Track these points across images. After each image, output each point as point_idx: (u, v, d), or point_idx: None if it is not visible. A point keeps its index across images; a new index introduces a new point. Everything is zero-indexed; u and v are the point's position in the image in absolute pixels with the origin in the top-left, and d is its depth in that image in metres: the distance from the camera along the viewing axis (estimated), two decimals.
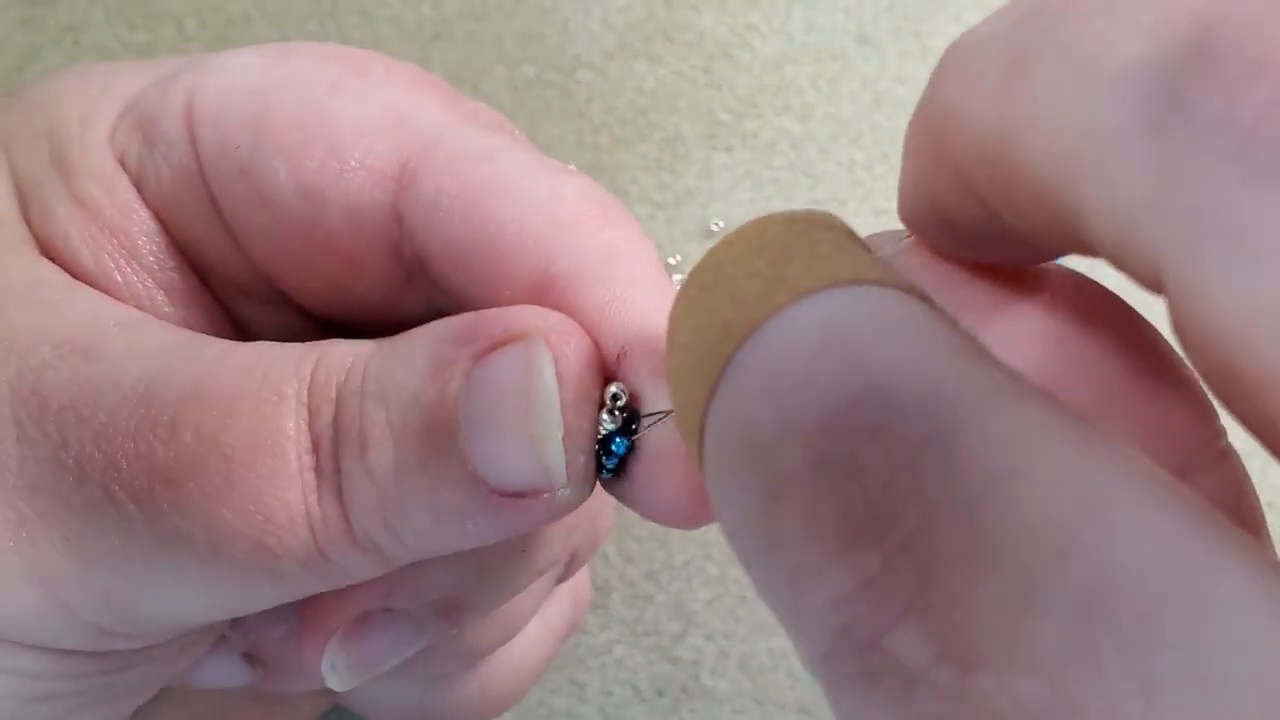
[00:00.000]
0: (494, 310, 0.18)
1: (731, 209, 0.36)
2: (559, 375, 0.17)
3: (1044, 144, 0.11)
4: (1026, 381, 0.11)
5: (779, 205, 0.36)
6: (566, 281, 0.18)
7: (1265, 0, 0.10)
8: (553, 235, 0.18)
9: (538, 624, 0.26)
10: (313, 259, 0.20)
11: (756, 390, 0.11)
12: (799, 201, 0.36)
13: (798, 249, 0.13)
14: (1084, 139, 0.11)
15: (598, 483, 0.18)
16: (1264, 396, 0.10)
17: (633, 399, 0.17)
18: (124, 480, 0.18)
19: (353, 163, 0.19)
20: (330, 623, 0.21)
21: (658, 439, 0.17)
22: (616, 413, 0.17)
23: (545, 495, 0.17)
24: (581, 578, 0.29)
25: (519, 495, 0.17)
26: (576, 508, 0.18)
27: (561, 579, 0.25)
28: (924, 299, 0.12)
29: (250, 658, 0.23)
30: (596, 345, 0.18)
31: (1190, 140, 0.10)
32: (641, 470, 0.17)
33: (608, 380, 0.18)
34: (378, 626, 0.21)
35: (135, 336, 0.19)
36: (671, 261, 0.36)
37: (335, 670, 0.21)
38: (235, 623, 0.23)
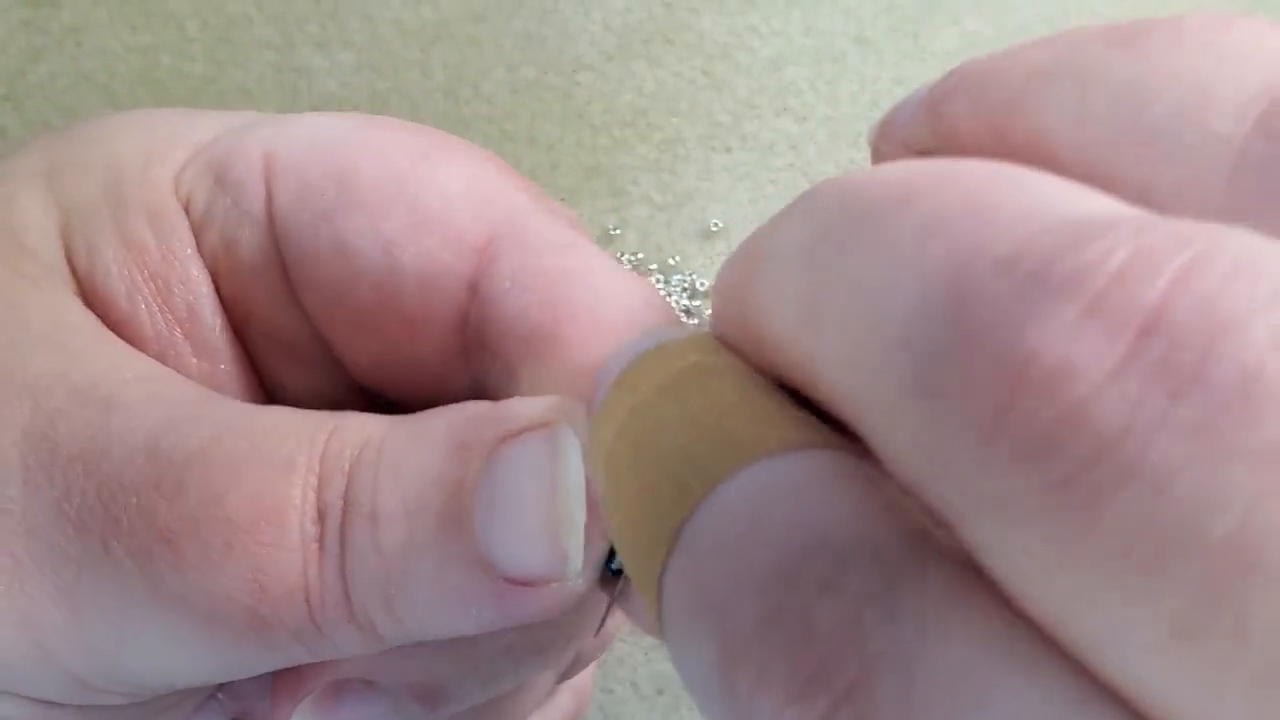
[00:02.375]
0: (521, 398, 0.18)
1: (731, 210, 0.36)
2: (585, 461, 0.17)
3: (835, 386, 0.12)
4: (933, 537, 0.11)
5: (779, 205, 0.36)
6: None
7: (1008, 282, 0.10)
8: (624, 327, 0.18)
9: (536, 717, 0.26)
10: (377, 316, 0.20)
11: (711, 554, 0.12)
12: None
13: (717, 409, 0.13)
14: (865, 394, 0.11)
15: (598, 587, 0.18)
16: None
17: None
18: (123, 536, 0.18)
19: (436, 227, 0.19)
20: (305, 685, 0.21)
21: None
22: None
23: (555, 585, 0.17)
24: (584, 674, 0.29)
25: (527, 583, 0.17)
26: (579, 599, 0.18)
27: (564, 677, 0.25)
28: (845, 452, 0.12)
29: None
30: None
31: (943, 421, 0.10)
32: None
33: None
34: (352, 697, 0.21)
35: (152, 391, 0.19)
36: (671, 262, 0.36)
37: None
38: (228, 688, 0.23)
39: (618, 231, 0.36)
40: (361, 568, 0.18)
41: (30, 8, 0.37)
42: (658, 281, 0.36)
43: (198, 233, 0.21)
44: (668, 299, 0.36)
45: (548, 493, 0.17)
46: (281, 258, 0.20)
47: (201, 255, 0.21)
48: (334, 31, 0.37)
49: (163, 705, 0.21)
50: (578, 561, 0.17)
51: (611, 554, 0.17)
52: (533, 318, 0.19)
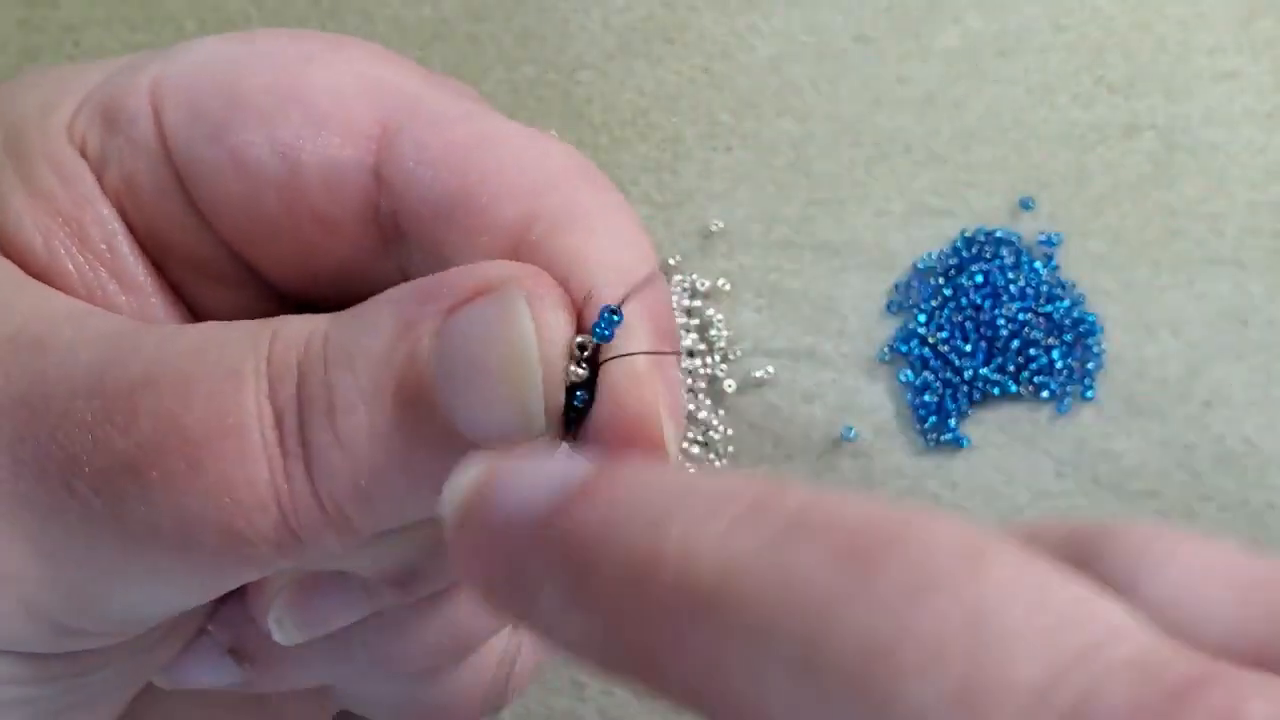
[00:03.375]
0: (458, 268, 0.18)
1: (731, 209, 0.36)
2: (535, 318, 0.17)
3: None
4: None
5: (779, 205, 0.36)
6: (546, 230, 0.18)
7: None
8: (537, 187, 0.18)
9: None
10: (287, 222, 0.20)
11: None
12: (798, 202, 0.36)
13: None
14: None
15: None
16: None
17: (598, 348, 0.17)
18: (84, 473, 0.17)
19: (330, 124, 0.19)
20: (277, 581, 0.21)
21: (619, 384, 0.17)
22: (584, 364, 0.17)
23: (521, 444, 0.17)
24: None
25: (496, 446, 0.17)
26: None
27: None
28: None
29: (236, 653, 0.23)
30: (567, 293, 0.18)
31: None
32: (603, 412, 0.17)
33: (576, 330, 0.17)
34: (325, 589, 0.21)
35: (82, 327, 0.19)
36: (671, 261, 0.36)
37: (280, 626, 0.21)
38: (219, 619, 0.23)
39: None
40: (327, 465, 0.17)
41: (27, 7, 0.37)
42: None
43: (98, 174, 0.20)
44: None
45: (503, 353, 0.16)
46: (183, 184, 0.20)
47: (107, 195, 0.20)
48: (333, 30, 0.37)
49: (151, 642, 0.21)
50: (541, 417, 0.17)
51: (567, 401, 0.17)
52: (441, 191, 0.19)
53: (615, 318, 0.17)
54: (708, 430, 0.35)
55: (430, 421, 0.17)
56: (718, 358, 0.35)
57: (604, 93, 0.37)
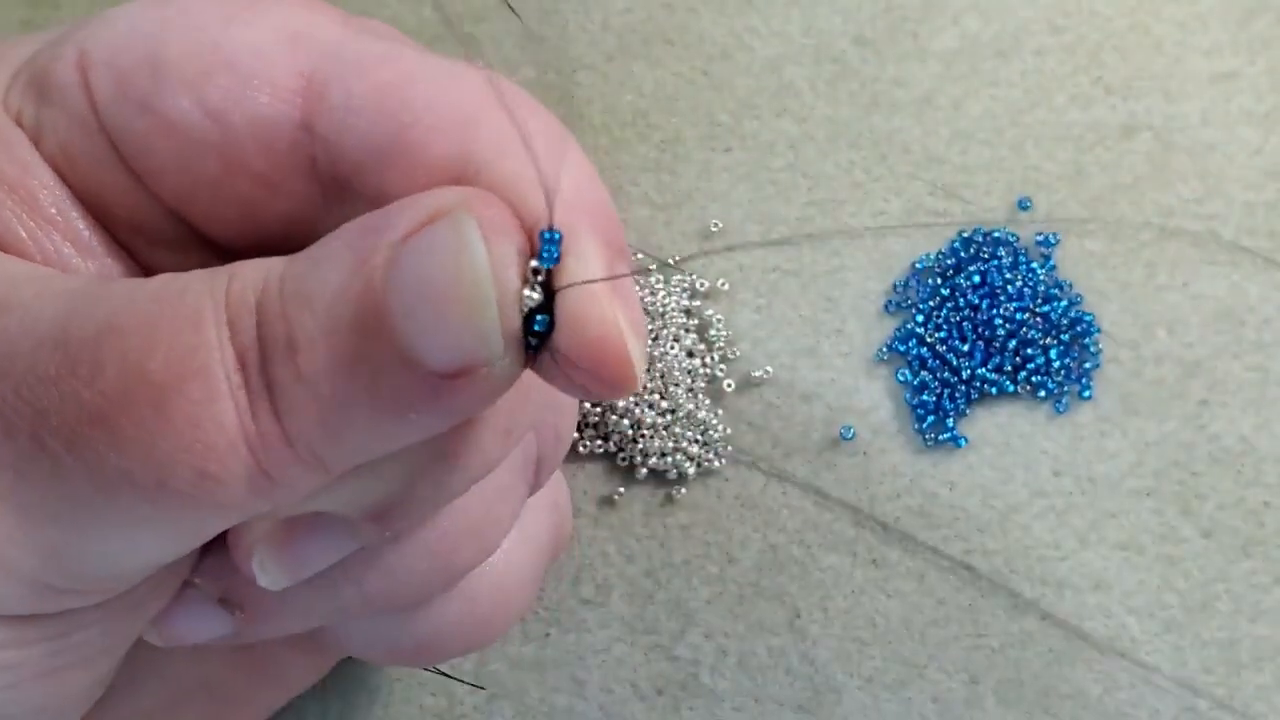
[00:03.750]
0: (406, 198, 0.18)
1: (730, 209, 0.36)
2: (486, 240, 0.17)
3: None
4: None
5: (778, 206, 0.36)
6: (485, 160, 0.18)
7: None
8: (469, 118, 0.18)
9: (518, 538, 0.26)
10: (226, 184, 0.20)
11: None
12: (797, 203, 0.36)
13: None
14: None
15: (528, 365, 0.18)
16: None
17: (551, 273, 0.17)
18: (53, 427, 0.17)
19: (255, 82, 0.19)
20: (258, 526, 0.21)
21: (578, 305, 0.17)
22: (539, 288, 0.17)
23: (484, 370, 0.17)
24: (561, 493, 0.29)
25: (458, 375, 0.17)
26: (513, 381, 0.18)
27: (534, 488, 0.25)
28: None
29: (226, 602, 0.23)
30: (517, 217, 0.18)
31: None
32: (564, 336, 0.17)
33: (530, 254, 0.17)
34: (306, 530, 0.21)
35: (42, 286, 0.19)
36: (671, 262, 0.36)
37: (265, 571, 0.21)
38: (205, 570, 0.23)
39: None
40: (292, 402, 0.17)
41: (29, 8, 0.38)
42: (657, 281, 0.36)
43: (37, 145, 0.20)
44: (668, 299, 0.36)
45: (456, 277, 0.16)
46: (119, 152, 0.20)
47: (49, 164, 0.21)
48: None
49: (136, 600, 0.21)
50: (497, 339, 0.17)
51: (527, 326, 0.17)
52: (374, 136, 0.19)
53: (555, 236, 0.17)
54: (706, 429, 0.35)
55: (390, 352, 0.17)
56: (716, 357, 0.36)
57: (604, 94, 0.37)
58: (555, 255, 0.17)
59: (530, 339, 0.17)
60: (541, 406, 0.23)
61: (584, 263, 0.17)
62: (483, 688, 0.35)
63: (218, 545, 0.22)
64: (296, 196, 0.20)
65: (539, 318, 0.17)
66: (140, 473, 0.17)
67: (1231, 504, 0.34)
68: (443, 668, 0.35)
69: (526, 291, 0.17)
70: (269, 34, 0.20)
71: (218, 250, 0.22)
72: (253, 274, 0.18)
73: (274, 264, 0.18)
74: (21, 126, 0.20)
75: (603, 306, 0.17)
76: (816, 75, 0.37)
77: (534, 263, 0.17)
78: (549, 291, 0.17)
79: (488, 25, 0.38)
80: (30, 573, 0.18)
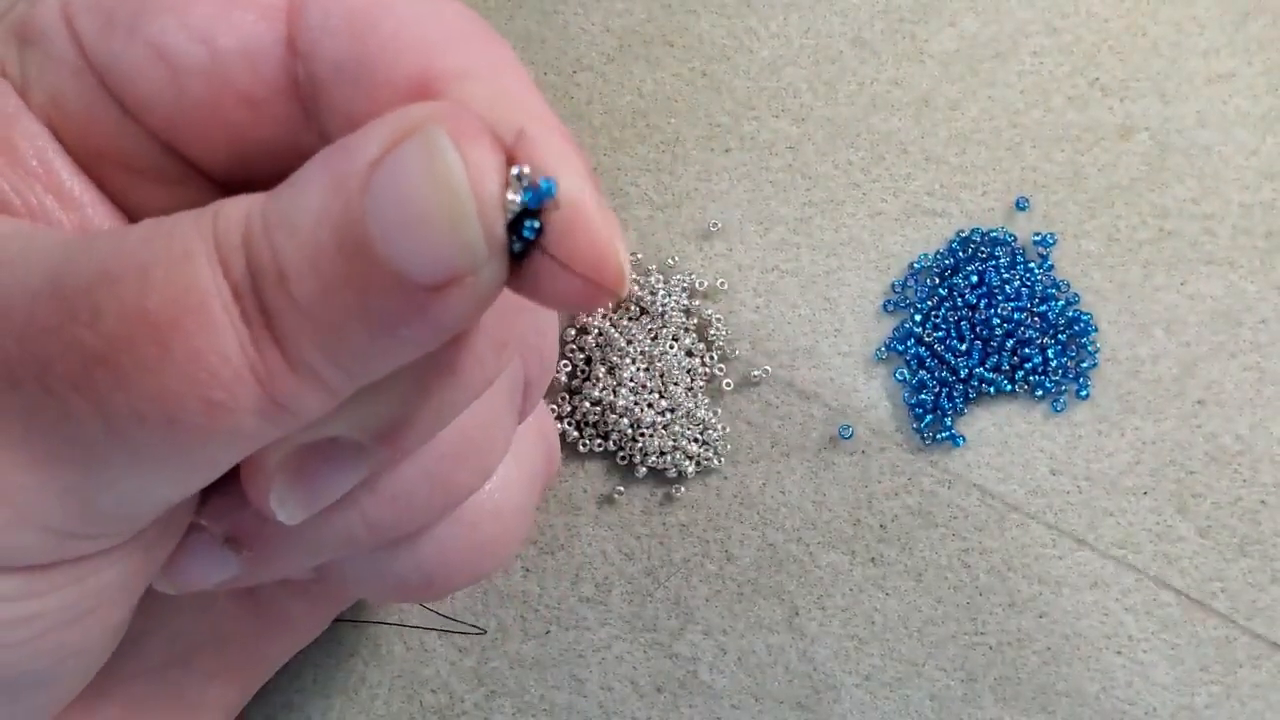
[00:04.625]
0: (379, 118, 0.18)
1: (730, 210, 0.36)
2: (460, 148, 0.17)
3: None
4: None
5: (776, 206, 0.36)
6: (452, 80, 0.18)
7: None
8: (434, 40, 0.19)
9: (511, 463, 0.26)
10: (213, 107, 0.20)
11: None
12: (796, 203, 0.36)
13: None
14: None
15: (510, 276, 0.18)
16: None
17: (534, 176, 0.17)
18: (59, 373, 0.18)
19: (240, 2, 0.20)
20: (268, 459, 0.21)
21: (571, 210, 0.17)
22: (523, 191, 0.17)
23: (470, 279, 0.17)
24: (547, 422, 0.29)
25: (445, 285, 0.17)
26: (501, 287, 0.18)
27: (523, 414, 0.26)
28: None
29: (232, 542, 0.23)
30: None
31: None
32: (561, 226, 0.17)
33: (509, 163, 0.17)
34: (319, 456, 0.21)
35: (29, 241, 0.19)
36: (671, 262, 0.36)
37: (283, 505, 0.21)
38: (210, 511, 0.23)
39: None
40: (290, 327, 0.18)
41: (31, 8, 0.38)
42: (657, 281, 0.36)
43: (24, 95, 0.21)
44: (667, 299, 0.36)
45: (433, 190, 0.17)
46: (107, 88, 0.20)
47: (34, 113, 0.21)
48: None
49: (148, 541, 0.21)
50: (480, 245, 0.17)
51: (510, 233, 0.17)
52: (346, 54, 0.19)
53: (549, 189, 0.17)
54: (706, 429, 0.35)
55: (375, 270, 0.17)
56: (715, 357, 0.36)
57: (603, 94, 0.37)
58: (550, 189, 0.17)
59: (514, 244, 0.17)
60: (528, 326, 0.23)
61: (569, 167, 0.17)
62: (483, 630, 0.35)
63: (221, 486, 0.22)
64: (282, 118, 0.20)
65: (527, 223, 0.17)
66: (149, 409, 0.17)
67: (1228, 503, 0.34)
68: (441, 610, 0.35)
69: (510, 195, 0.17)
70: None
71: (207, 183, 0.22)
72: (237, 209, 0.18)
73: (255, 198, 0.18)
74: (6, 76, 0.21)
75: (594, 211, 0.17)
76: (815, 76, 0.37)
77: (515, 168, 0.17)
78: (535, 198, 0.17)
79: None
80: (47, 519, 0.19)
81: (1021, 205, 0.36)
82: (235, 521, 0.23)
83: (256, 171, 0.21)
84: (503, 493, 0.26)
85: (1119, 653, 0.34)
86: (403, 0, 0.19)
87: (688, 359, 0.36)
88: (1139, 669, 0.34)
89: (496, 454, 0.25)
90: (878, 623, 0.35)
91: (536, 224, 0.17)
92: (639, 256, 0.36)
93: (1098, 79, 0.36)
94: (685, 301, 0.36)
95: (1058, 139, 0.36)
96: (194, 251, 0.18)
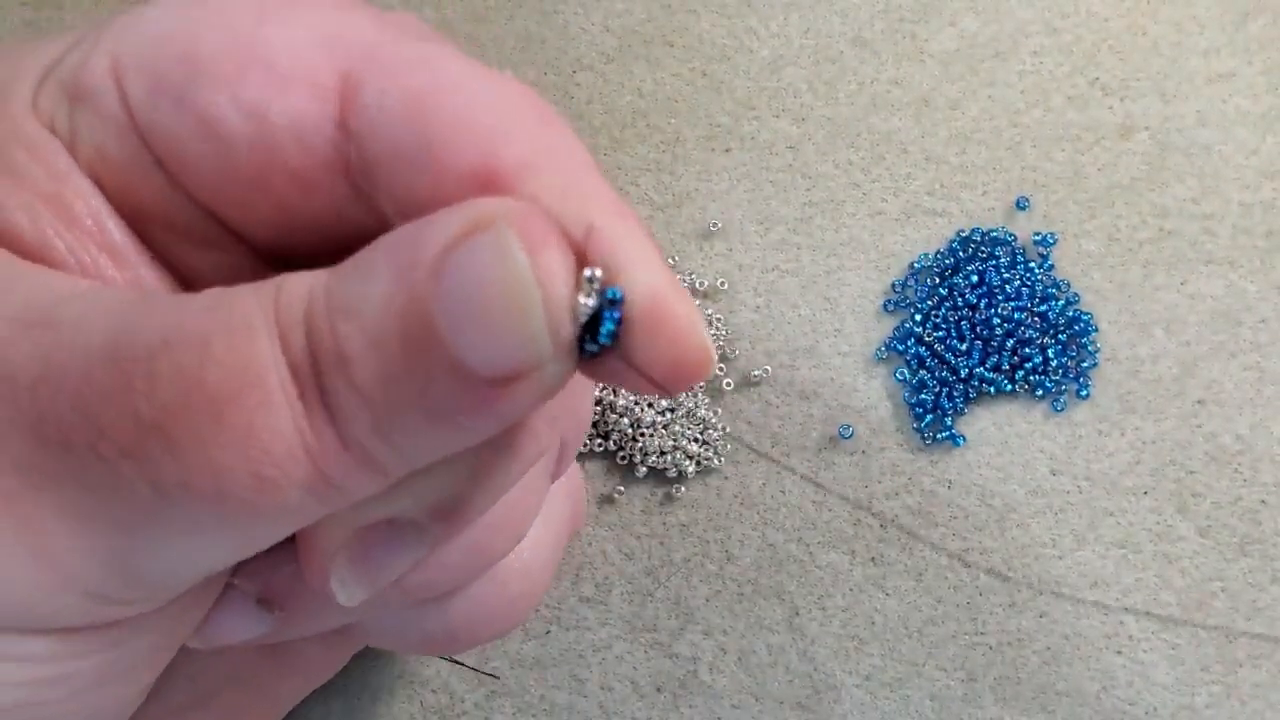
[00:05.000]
0: (449, 208, 0.18)
1: (730, 210, 0.36)
2: (529, 250, 0.17)
3: None
4: None
5: (777, 206, 0.36)
6: (514, 171, 0.18)
7: None
8: (498, 127, 0.18)
9: (540, 522, 0.27)
10: (260, 181, 0.20)
11: None
12: (796, 203, 0.36)
13: None
14: None
15: (578, 367, 0.18)
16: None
17: (607, 277, 0.17)
18: (111, 440, 0.18)
19: (293, 80, 0.19)
20: (329, 542, 0.21)
21: (654, 307, 0.17)
22: (595, 295, 0.17)
23: (535, 374, 0.17)
24: (575, 480, 0.29)
25: (508, 380, 0.17)
26: (565, 382, 0.18)
27: (555, 476, 0.26)
28: None
29: (265, 602, 0.23)
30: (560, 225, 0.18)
31: None
32: (639, 332, 0.17)
33: (579, 267, 0.17)
34: (380, 538, 0.21)
35: (90, 302, 0.19)
36: (671, 262, 0.36)
37: (344, 587, 0.21)
38: (244, 571, 0.23)
39: None
40: (347, 410, 0.18)
41: (32, 9, 0.38)
42: None
43: (71, 150, 0.20)
44: None
45: (500, 288, 0.17)
46: (154, 152, 0.20)
47: (83, 169, 0.21)
48: None
49: (182, 607, 0.21)
50: (546, 345, 0.17)
51: (581, 335, 0.17)
52: (406, 140, 0.19)
53: (616, 297, 0.17)
54: (706, 428, 0.35)
55: (439, 362, 0.17)
56: (716, 356, 0.36)
57: (603, 94, 0.37)
58: (618, 301, 0.17)
59: (588, 345, 0.18)
60: (571, 392, 0.23)
61: (643, 262, 0.17)
62: (496, 676, 0.35)
63: None
64: (330, 195, 0.20)
65: (605, 327, 0.17)
66: (200, 481, 0.17)
67: (1228, 503, 0.34)
68: (452, 658, 0.35)
69: (582, 299, 0.17)
70: (305, 33, 0.20)
71: (252, 249, 0.22)
72: (299, 286, 0.18)
73: (318, 276, 0.18)
74: (55, 132, 0.20)
75: (677, 305, 0.17)
76: (815, 76, 0.37)
77: (588, 271, 0.17)
78: (601, 300, 0.17)
79: (488, 25, 0.38)
80: (89, 583, 0.19)
81: (1022, 205, 0.36)
82: (269, 582, 0.23)
83: (301, 242, 0.21)
84: (531, 552, 0.26)
85: (1119, 653, 0.34)
86: (461, 81, 0.19)
87: None
88: (1139, 669, 0.34)
89: (530, 517, 0.25)
90: (878, 623, 0.35)
91: (612, 327, 0.17)
92: None
93: (1098, 78, 0.36)
94: None
95: (1058, 138, 0.36)
96: (255, 325, 0.18)
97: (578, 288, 0.17)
